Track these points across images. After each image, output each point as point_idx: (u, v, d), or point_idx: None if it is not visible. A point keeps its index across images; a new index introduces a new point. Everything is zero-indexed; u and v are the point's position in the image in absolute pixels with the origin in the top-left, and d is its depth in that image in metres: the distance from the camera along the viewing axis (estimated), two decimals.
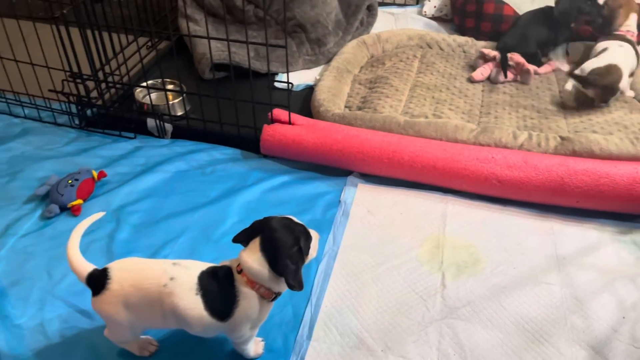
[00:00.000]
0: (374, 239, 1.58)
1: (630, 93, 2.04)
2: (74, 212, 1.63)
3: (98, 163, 1.86)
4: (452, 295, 1.40)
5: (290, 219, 1.12)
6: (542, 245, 1.56)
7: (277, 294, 1.12)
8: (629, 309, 1.38)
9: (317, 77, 2.27)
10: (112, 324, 1.15)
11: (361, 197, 1.73)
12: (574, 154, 1.72)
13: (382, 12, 2.78)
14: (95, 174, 1.73)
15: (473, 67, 2.28)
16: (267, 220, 1.10)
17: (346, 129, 1.81)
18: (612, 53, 2.01)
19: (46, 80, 1.95)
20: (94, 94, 2.01)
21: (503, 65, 2.18)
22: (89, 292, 1.32)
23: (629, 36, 2.10)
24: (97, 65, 1.96)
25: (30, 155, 1.89)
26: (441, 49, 2.46)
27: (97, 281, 1.09)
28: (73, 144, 1.97)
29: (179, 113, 2.06)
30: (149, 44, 2.41)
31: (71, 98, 1.98)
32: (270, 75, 2.23)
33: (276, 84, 2.23)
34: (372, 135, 1.78)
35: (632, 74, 2.06)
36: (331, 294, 1.40)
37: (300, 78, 2.30)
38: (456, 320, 1.34)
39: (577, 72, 1.98)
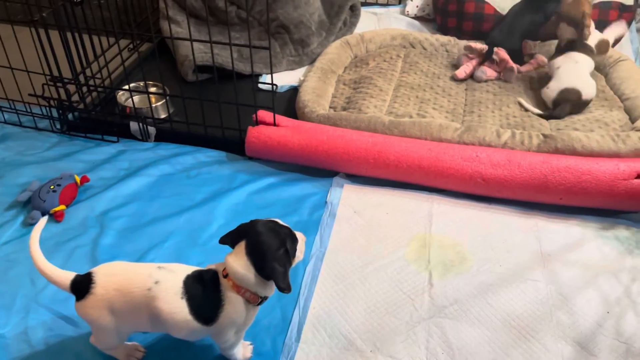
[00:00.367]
0: (361, 240, 1.58)
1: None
2: (57, 218, 1.61)
3: (81, 168, 1.83)
4: (440, 294, 1.41)
5: (276, 222, 1.11)
6: (527, 242, 1.58)
7: (264, 299, 1.12)
8: (613, 304, 1.40)
9: (301, 78, 2.27)
10: (97, 329, 1.13)
11: (347, 197, 1.73)
12: (557, 151, 1.74)
13: (364, 12, 2.79)
14: (78, 179, 1.71)
15: (456, 66, 2.30)
16: (252, 224, 1.09)
17: (331, 129, 1.81)
18: (567, 73, 2.01)
19: (26, 84, 1.92)
20: (75, 97, 1.98)
21: (487, 56, 2.19)
22: (73, 299, 1.30)
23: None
24: (78, 68, 1.93)
25: (10, 161, 1.86)
26: (424, 48, 2.47)
27: (81, 286, 1.08)
28: (55, 149, 1.94)
29: (163, 116, 2.04)
30: (131, 46, 2.38)
31: (52, 102, 1.95)
32: (254, 77, 2.22)
33: (260, 86, 2.22)
34: (358, 135, 1.78)
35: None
36: (319, 295, 1.40)
37: (284, 79, 2.30)
38: (444, 319, 1.34)
39: (544, 113, 1.98)
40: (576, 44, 2.06)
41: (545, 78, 2.13)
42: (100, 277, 1.08)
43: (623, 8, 2.45)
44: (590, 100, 1.99)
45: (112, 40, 2.14)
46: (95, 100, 2.07)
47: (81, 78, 1.96)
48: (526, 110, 2.01)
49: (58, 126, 2.05)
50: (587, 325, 1.34)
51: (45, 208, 1.60)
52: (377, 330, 1.32)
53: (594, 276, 1.48)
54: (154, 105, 1.99)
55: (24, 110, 2.03)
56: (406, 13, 2.83)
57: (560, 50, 2.10)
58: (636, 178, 1.62)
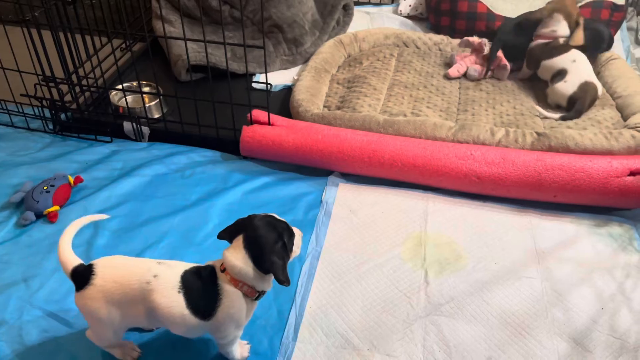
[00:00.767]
0: (357, 238, 1.58)
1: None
2: (51, 219, 1.59)
3: (74, 168, 1.82)
4: (436, 292, 1.42)
5: (273, 216, 1.12)
6: (522, 240, 1.59)
7: (261, 293, 1.12)
8: (607, 300, 1.41)
9: (295, 78, 2.27)
10: (95, 322, 1.13)
11: (342, 196, 1.73)
12: (550, 149, 1.76)
13: (357, 11, 2.79)
14: (71, 179, 1.70)
15: (449, 65, 2.31)
16: (250, 219, 1.09)
17: (326, 129, 1.81)
18: (584, 67, 2.01)
19: (18, 84, 1.91)
20: (68, 97, 1.97)
21: (492, 55, 2.19)
22: (68, 299, 1.29)
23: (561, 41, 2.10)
24: (71, 68, 1.92)
25: (2, 162, 1.84)
26: (417, 47, 2.48)
27: (82, 276, 1.08)
28: (47, 150, 1.93)
29: (156, 116, 2.03)
30: (124, 45, 2.37)
31: (44, 102, 1.94)
32: (248, 76, 2.21)
33: (254, 85, 2.22)
34: (352, 134, 1.78)
35: None
36: (315, 294, 1.40)
37: (278, 78, 2.30)
38: (440, 317, 1.35)
39: (565, 115, 1.95)
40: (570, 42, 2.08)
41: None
42: (100, 268, 1.09)
43: (615, 7, 2.47)
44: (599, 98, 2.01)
45: (104, 39, 2.13)
46: (88, 100, 2.06)
47: (74, 78, 1.94)
48: (544, 117, 1.96)
49: (51, 126, 2.03)
50: (582, 322, 1.35)
51: (38, 209, 1.59)
52: (373, 328, 1.32)
53: (588, 273, 1.49)
54: (147, 105, 1.98)
55: (16, 110, 2.01)
56: (399, 12, 2.83)
57: (562, 47, 2.07)
58: (629, 175, 1.63)
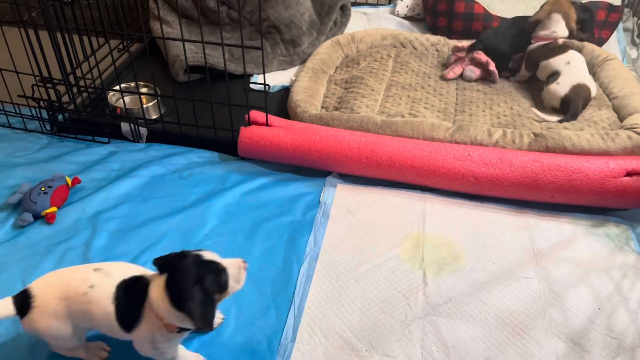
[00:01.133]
0: (355, 239, 1.58)
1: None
2: (48, 220, 1.59)
3: (72, 169, 1.82)
4: (434, 292, 1.42)
5: (200, 257, 1.05)
6: (520, 240, 1.59)
7: (183, 329, 1.09)
8: (604, 300, 1.41)
9: (293, 78, 2.27)
10: (51, 338, 1.15)
11: (341, 197, 1.73)
12: (547, 150, 1.76)
13: (355, 12, 2.80)
14: (69, 180, 1.69)
15: (446, 66, 2.31)
16: (176, 258, 1.05)
17: (324, 129, 1.81)
18: (577, 69, 2.01)
19: (15, 85, 1.90)
20: (66, 98, 1.97)
21: (469, 49, 2.21)
22: None
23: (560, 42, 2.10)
24: (68, 69, 1.92)
25: (0, 163, 1.84)
26: (415, 48, 2.48)
27: (22, 303, 1.10)
28: (45, 151, 1.92)
29: (154, 116, 2.03)
30: (121, 46, 2.37)
31: (42, 103, 1.93)
32: (246, 77, 2.21)
33: (252, 86, 2.22)
34: (350, 135, 1.78)
35: None
36: (314, 295, 1.40)
37: (275, 79, 2.30)
38: (438, 317, 1.35)
39: (562, 118, 1.94)
40: (570, 43, 2.09)
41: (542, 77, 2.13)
42: (38, 290, 1.11)
43: (611, 8, 2.48)
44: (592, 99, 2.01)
45: (102, 40, 2.13)
46: (85, 101, 2.05)
47: (71, 79, 1.94)
48: (542, 121, 1.95)
49: (48, 127, 2.03)
50: (579, 322, 1.36)
51: (36, 210, 1.59)
52: (372, 329, 1.32)
53: (586, 273, 1.49)
54: (145, 105, 1.98)
55: (13, 111, 2.01)
56: (396, 13, 2.84)
57: (560, 48, 2.08)
58: (625, 176, 1.64)
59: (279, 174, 1.84)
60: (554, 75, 2.03)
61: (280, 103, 2.13)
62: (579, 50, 2.09)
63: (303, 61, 2.39)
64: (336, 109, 2.02)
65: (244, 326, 1.32)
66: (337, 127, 1.86)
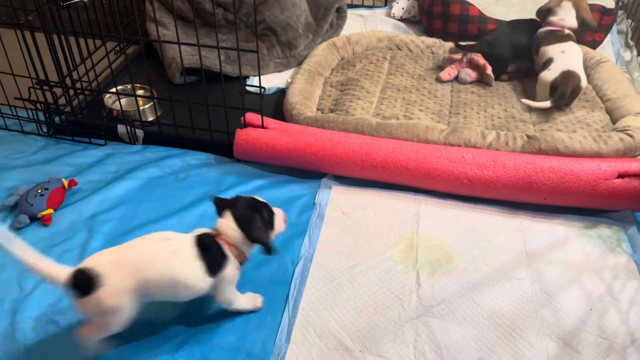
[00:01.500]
0: (349, 240, 1.60)
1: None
2: (45, 222, 1.60)
3: (68, 171, 1.83)
4: (427, 293, 1.43)
5: (255, 198, 1.30)
6: (512, 242, 1.61)
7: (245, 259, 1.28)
8: (596, 301, 1.43)
9: (289, 80, 2.28)
10: (111, 317, 1.14)
11: (335, 199, 1.75)
12: (540, 152, 1.78)
13: (351, 14, 2.81)
14: (65, 182, 1.70)
15: (442, 68, 2.33)
16: (235, 199, 1.28)
17: (319, 131, 1.82)
18: (571, 57, 2.05)
19: (12, 87, 1.91)
20: (62, 100, 1.98)
21: (469, 48, 2.23)
22: (61, 302, 1.30)
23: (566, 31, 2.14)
24: (65, 71, 1.93)
25: None
26: (410, 50, 2.50)
27: (85, 281, 1.09)
28: (41, 153, 1.93)
29: (150, 118, 2.04)
30: (117, 48, 2.38)
31: (38, 105, 1.94)
32: (242, 79, 2.22)
33: (248, 88, 2.23)
34: (345, 137, 1.80)
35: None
36: (308, 296, 1.42)
37: (271, 81, 2.31)
38: (431, 318, 1.37)
39: (551, 104, 1.98)
40: (573, 36, 2.12)
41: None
42: (103, 269, 1.10)
43: (605, 11, 2.50)
44: (582, 89, 2.03)
45: (98, 42, 2.14)
46: (82, 103, 2.06)
47: (68, 81, 1.95)
48: (532, 108, 2.01)
49: (45, 129, 2.04)
50: (571, 322, 1.37)
51: (32, 212, 1.59)
52: (366, 330, 1.34)
53: (577, 274, 1.51)
54: (141, 108, 1.99)
55: (10, 113, 2.01)
56: (392, 15, 2.85)
57: (562, 37, 2.11)
58: (617, 178, 1.65)
59: (274, 175, 1.85)
60: (548, 62, 2.06)
61: (276, 105, 2.14)
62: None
63: (299, 63, 2.41)
64: (332, 111, 2.03)
65: (239, 327, 1.33)
66: (333, 129, 1.88)
